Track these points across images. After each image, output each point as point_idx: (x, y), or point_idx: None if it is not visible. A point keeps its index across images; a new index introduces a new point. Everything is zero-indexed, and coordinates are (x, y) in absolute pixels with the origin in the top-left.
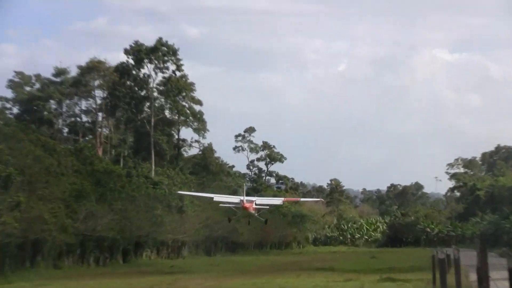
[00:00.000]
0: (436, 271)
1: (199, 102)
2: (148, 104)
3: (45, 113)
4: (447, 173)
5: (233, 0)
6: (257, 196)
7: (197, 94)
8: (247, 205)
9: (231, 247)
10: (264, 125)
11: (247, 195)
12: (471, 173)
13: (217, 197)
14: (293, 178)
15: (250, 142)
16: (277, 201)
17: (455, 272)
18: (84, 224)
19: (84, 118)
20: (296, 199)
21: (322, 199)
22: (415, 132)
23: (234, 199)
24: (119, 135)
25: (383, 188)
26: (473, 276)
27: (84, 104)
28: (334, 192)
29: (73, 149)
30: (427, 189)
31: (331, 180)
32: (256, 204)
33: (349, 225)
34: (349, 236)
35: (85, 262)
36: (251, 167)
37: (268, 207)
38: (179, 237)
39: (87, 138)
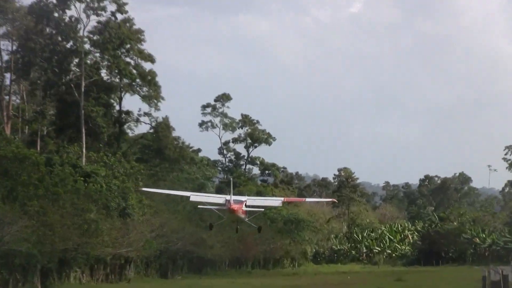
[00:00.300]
0: None
1: (150, 58)
2: (76, 60)
3: None
4: (505, 160)
5: None
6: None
7: (147, 47)
8: (234, 206)
9: (197, 265)
10: (244, 91)
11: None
12: None
13: (195, 196)
14: (285, 168)
15: (224, 115)
16: (276, 201)
17: None
18: None
19: None
20: (301, 199)
21: (335, 199)
22: (459, 102)
23: (218, 198)
24: (35, 105)
25: (414, 181)
26: None
27: None
28: (343, 187)
29: None
30: (476, 183)
31: (339, 170)
32: (246, 206)
33: (365, 235)
34: (364, 250)
35: None
36: (225, 152)
37: (262, 209)
38: (122, 252)
39: None
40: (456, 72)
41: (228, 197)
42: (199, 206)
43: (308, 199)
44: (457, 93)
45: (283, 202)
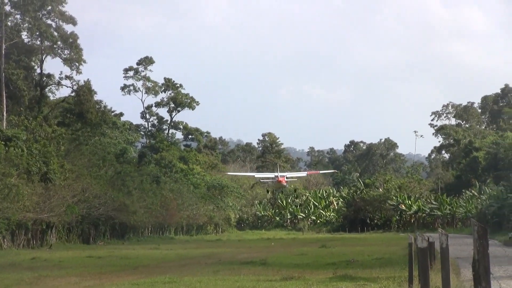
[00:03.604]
0: (414, 265)
1: (72, 21)
2: None
3: None
4: (431, 125)
5: None
6: None
7: (68, 9)
8: (281, 179)
9: (119, 231)
10: (167, 54)
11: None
12: (467, 125)
13: (257, 175)
14: (208, 132)
15: (147, 79)
16: (302, 174)
17: (442, 267)
18: None
19: None
20: (316, 172)
21: (335, 171)
22: (388, 65)
23: (271, 175)
24: None
25: (339, 147)
26: (467, 273)
27: None
28: (268, 153)
29: None
30: (402, 149)
31: (264, 135)
32: (287, 178)
33: (290, 201)
34: (289, 217)
35: None
36: (147, 116)
37: (296, 179)
38: (44, 217)
39: None
40: (388, 35)
41: (276, 173)
42: (261, 180)
43: (321, 171)
44: (388, 57)
45: (308, 175)
